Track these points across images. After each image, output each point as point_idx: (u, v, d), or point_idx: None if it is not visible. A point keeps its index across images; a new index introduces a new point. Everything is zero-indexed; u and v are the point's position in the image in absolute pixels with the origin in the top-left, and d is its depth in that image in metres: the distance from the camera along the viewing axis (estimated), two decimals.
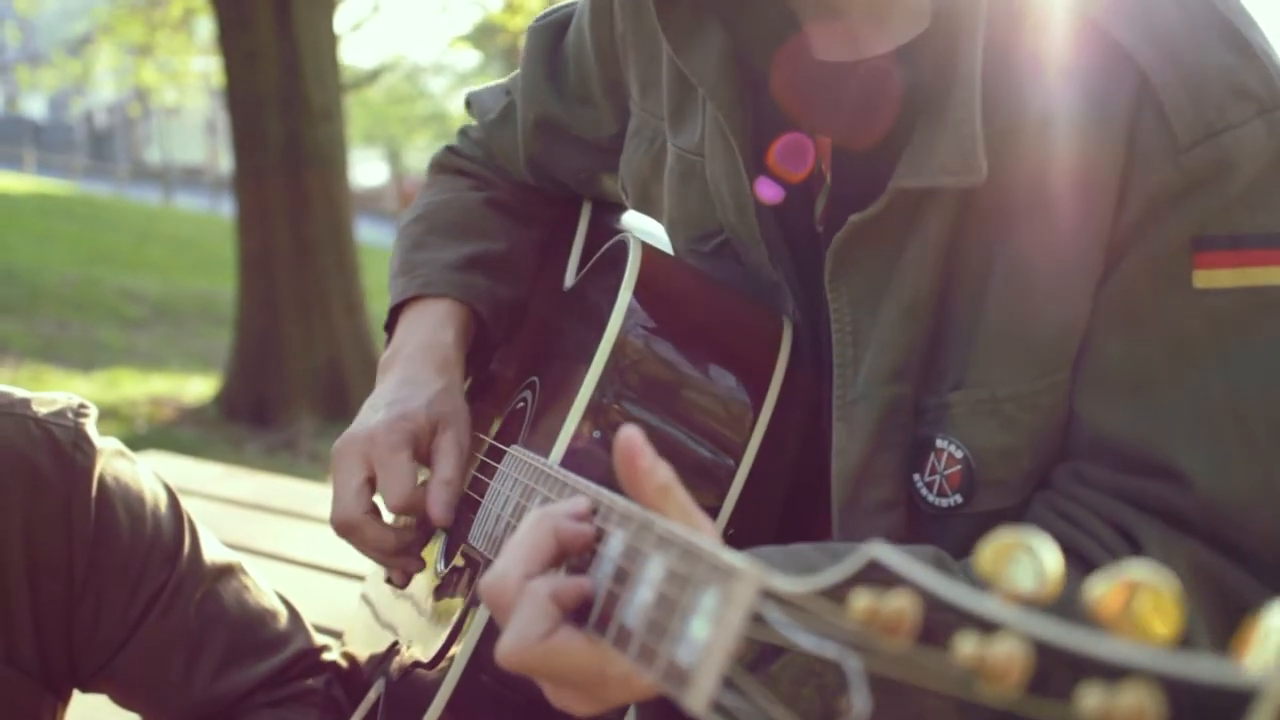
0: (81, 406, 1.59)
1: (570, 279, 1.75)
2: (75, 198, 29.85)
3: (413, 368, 1.67)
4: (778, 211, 1.46)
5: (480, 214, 1.90)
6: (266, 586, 1.77)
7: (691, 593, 0.81)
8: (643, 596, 0.87)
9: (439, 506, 1.52)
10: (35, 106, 58.18)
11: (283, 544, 2.99)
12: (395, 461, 1.54)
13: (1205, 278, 1.21)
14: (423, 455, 1.59)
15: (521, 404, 1.59)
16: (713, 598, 0.78)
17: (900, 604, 0.64)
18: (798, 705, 0.71)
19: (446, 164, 2.02)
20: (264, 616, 1.73)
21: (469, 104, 2.01)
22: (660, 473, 0.91)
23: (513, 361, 1.78)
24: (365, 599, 1.99)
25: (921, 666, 0.62)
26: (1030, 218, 1.25)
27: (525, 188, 1.95)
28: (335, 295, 9.58)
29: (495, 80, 2.00)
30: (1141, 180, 1.20)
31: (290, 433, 9.04)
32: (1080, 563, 1.25)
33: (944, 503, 1.33)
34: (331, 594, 2.63)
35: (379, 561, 1.61)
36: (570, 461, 1.32)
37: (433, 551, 1.63)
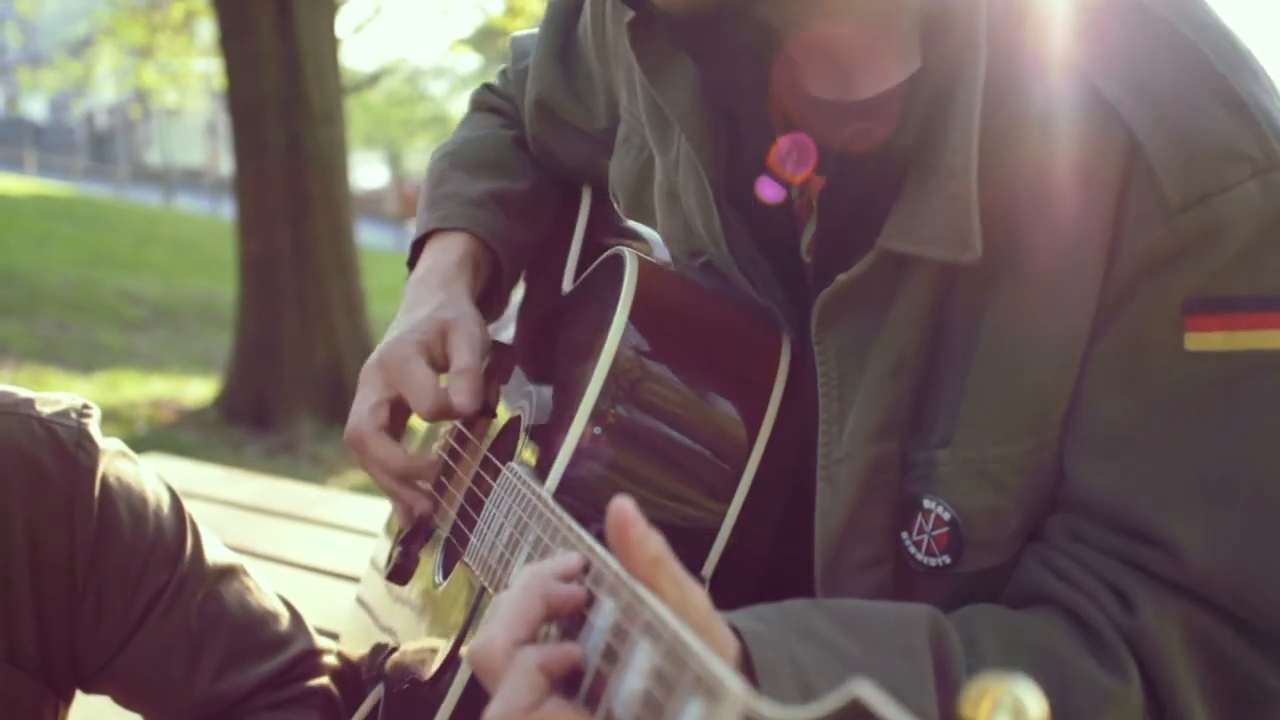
0: (85, 407, 1.59)
1: (568, 281, 1.74)
2: (76, 199, 29.87)
3: (414, 292, 1.68)
4: (761, 241, 1.43)
5: (508, 151, 1.91)
6: (268, 588, 1.77)
7: (677, 699, 0.80)
8: (631, 685, 0.86)
9: (462, 395, 1.53)
10: (36, 108, 58.22)
11: (283, 546, 3.00)
12: (411, 371, 1.55)
13: (1197, 340, 1.18)
14: (439, 361, 1.59)
15: (518, 412, 1.58)
16: (697, 710, 0.77)
17: None
18: None
19: (482, 101, 2.03)
20: (265, 618, 1.73)
21: (512, 44, 2.00)
22: (652, 545, 0.90)
23: (514, 352, 1.77)
24: (360, 600, 1.99)
25: None
26: (1019, 278, 1.22)
27: None
28: (336, 297, 9.58)
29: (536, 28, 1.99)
30: (1132, 242, 1.17)
31: (290, 435, 9.04)
32: (1077, 623, 1.24)
33: (932, 562, 1.31)
34: (332, 596, 2.63)
35: (387, 487, 1.60)
36: (564, 491, 1.31)
37: (433, 558, 1.63)
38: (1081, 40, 1.20)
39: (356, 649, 1.82)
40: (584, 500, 1.32)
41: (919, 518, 1.30)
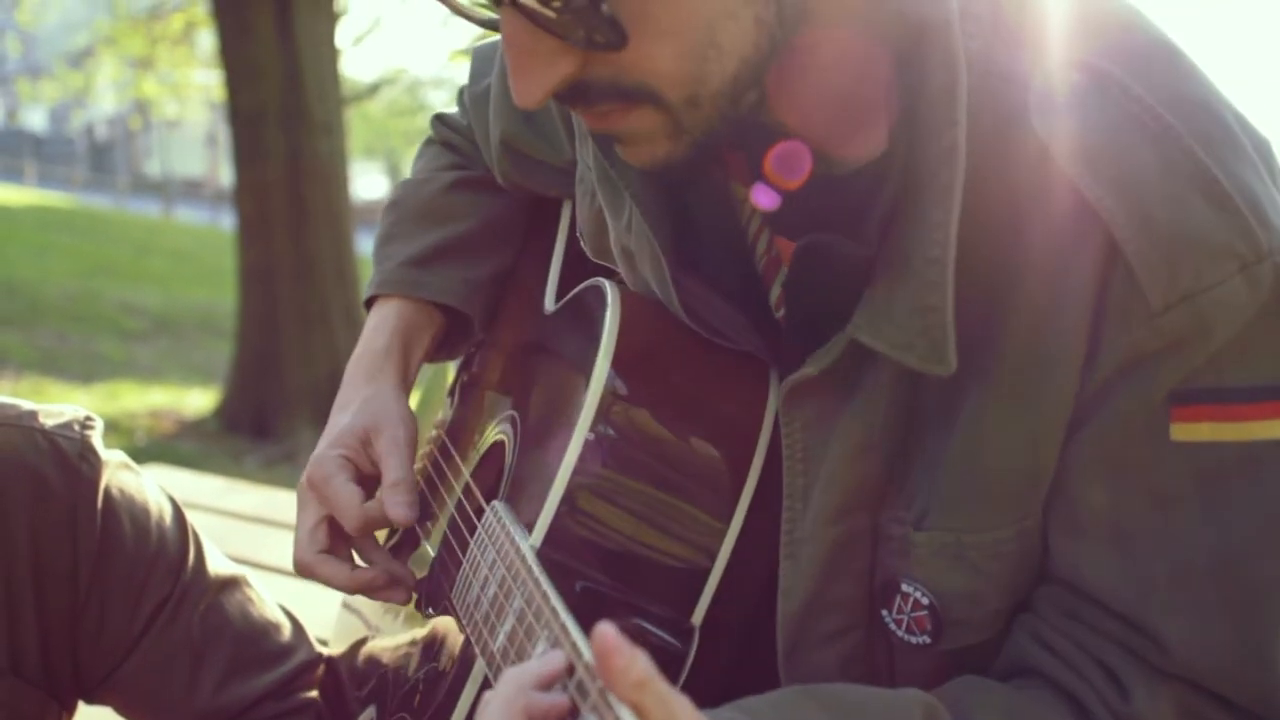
0: (88, 419, 1.60)
1: (550, 300, 1.70)
2: (75, 210, 29.88)
3: (343, 391, 1.68)
4: (730, 298, 1.39)
5: (447, 198, 1.87)
6: (270, 599, 1.78)
7: None
8: None
9: (396, 510, 1.52)
10: (36, 119, 58.22)
11: (284, 557, 2.98)
12: (333, 491, 1.54)
13: (1183, 430, 1.15)
14: (365, 469, 1.59)
15: (500, 440, 1.56)
16: None
17: None
18: None
19: (434, 135, 1.99)
20: (267, 629, 1.73)
21: (472, 58, 1.92)
22: (636, 669, 0.89)
23: (495, 369, 1.76)
24: (346, 604, 1.99)
25: None
26: (992, 377, 1.19)
27: None
28: (335, 308, 9.58)
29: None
30: (1112, 340, 1.14)
31: (290, 445, 9.04)
32: (1072, 705, 1.23)
33: (914, 640, 1.28)
34: (332, 607, 2.63)
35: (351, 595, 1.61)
36: (549, 543, 1.29)
37: (425, 565, 1.63)
38: (1060, 131, 1.14)
39: (343, 656, 1.81)
40: (570, 553, 1.30)
41: (898, 599, 1.28)
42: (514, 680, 1.00)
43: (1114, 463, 1.18)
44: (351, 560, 1.58)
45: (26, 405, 1.56)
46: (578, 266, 1.67)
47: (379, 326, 1.74)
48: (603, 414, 1.33)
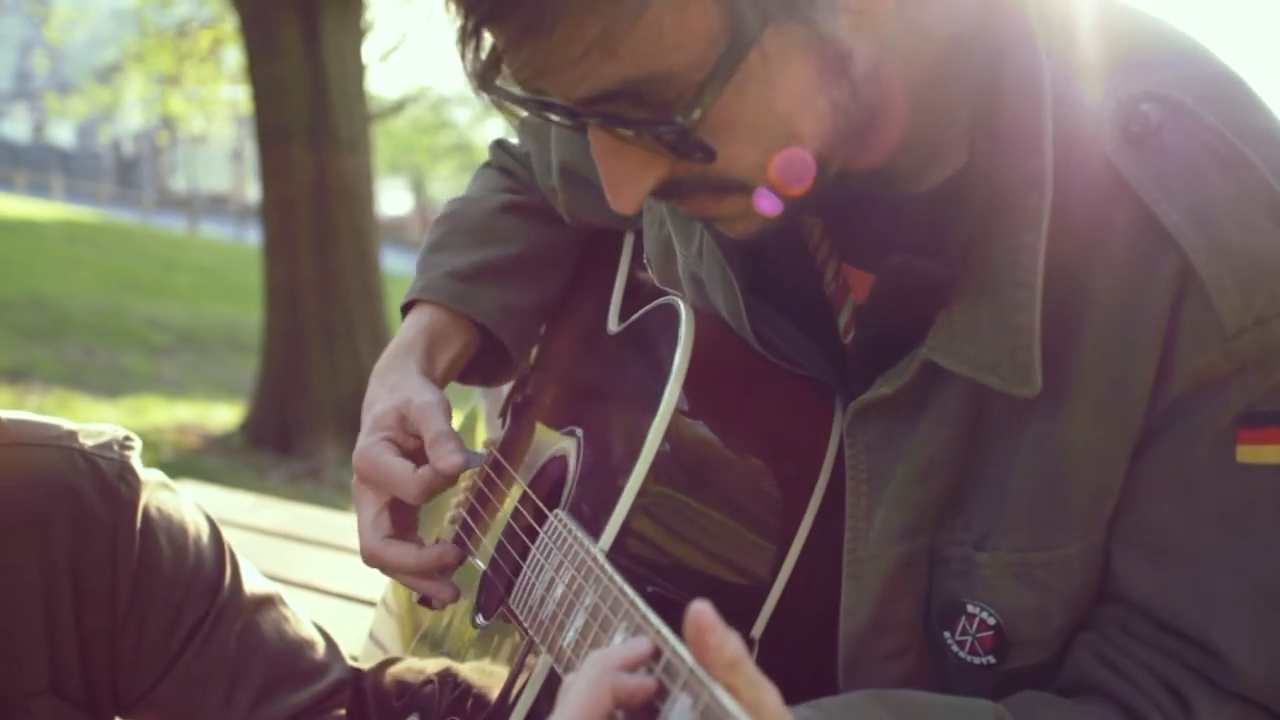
0: (127, 439, 1.61)
1: (614, 322, 1.71)
2: (102, 225, 30.05)
3: (372, 387, 1.69)
4: (800, 325, 1.42)
5: (497, 220, 1.89)
6: (305, 617, 1.79)
7: None
8: None
9: (445, 460, 1.51)
10: (63, 134, 58.54)
11: (314, 574, 3.01)
12: (384, 469, 1.54)
13: (1249, 453, 1.18)
14: (409, 443, 1.59)
15: (561, 454, 1.57)
16: None
17: None
18: None
19: (493, 159, 2.01)
20: (302, 646, 1.74)
21: None
22: (730, 647, 0.90)
23: (549, 389, 1.77)
24: (381, 624, 2.00)
25: None
26: (1063, 397, 1.21)
27: None
28: (360, 324, 9.61)
29: None
30: (1184, 362, 1.16)
31: (315, 461, 9.06)
32: (1133, 719, 1.24)
33: (977, 661, 1.30)
34: (362, 624, 2.64)
35: (412, 586, 1.61)
36: (617, 550, 1.31)
37: (470, 591, 1.64)
38: (1135, 159, 1.17)
39: (372, 672, 1.82)
40: (637, 559, 1.32)
41: (962, 620, 1.30)
42: (599, 662, 1.00)
43: (1180, 482, 1.20)
44: (416, 545, 1.58)
45: (66, 425, 1.58)
46: (639, 293, 1.69)
47: (409, 328, 1.76)
48: (673, 429, 1.35)
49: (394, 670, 1.76)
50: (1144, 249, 1.16)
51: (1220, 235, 1.14)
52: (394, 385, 1.65)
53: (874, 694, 1.26)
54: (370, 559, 1.57)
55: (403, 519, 1.59)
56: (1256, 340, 1.14)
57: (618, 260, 1.82)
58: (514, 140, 2.01)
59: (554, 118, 1.15)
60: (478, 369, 1.84)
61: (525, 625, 1.38)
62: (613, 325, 1.71)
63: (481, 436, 1.98)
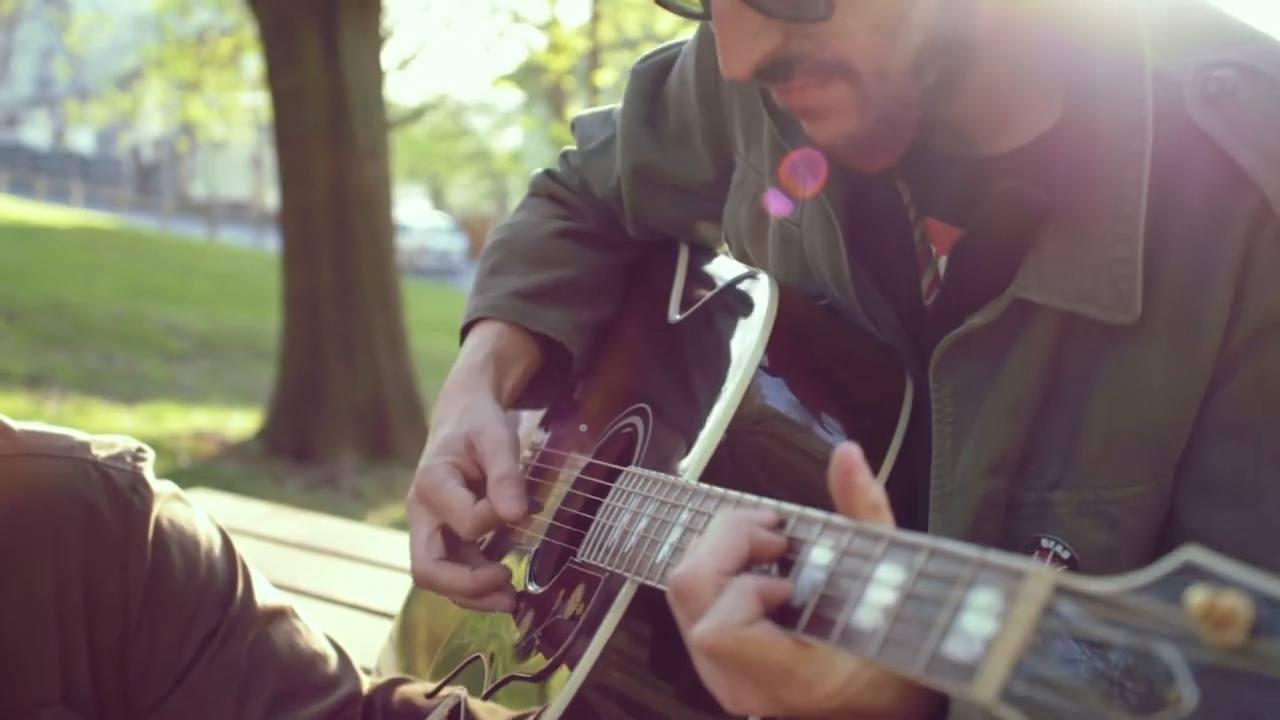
0: (139, 451, 1.62)
1: (675, 313, 1.73)
2: (121, 232, 30.16)
3: (441, 406, 1.70)
4: (882, 285, 1.46)
5: (553, 245, 1.92)
6: (317, 629, 1.79)
7: (960, 591, 0.84)
8: (878, 597, 0.90)
9: (505, 504, 1.52)
10: (83, 141, 58.78)
11: (328, 584, 3.01)
12: (445, 496, 1.54)
13: None
14: (473, 474, 1.59)
15: (629, 429, 1.59)
16: (990, 596, 0.82)
17: (1232, 601, 0.68)
18: (1094, 696, 0.75)
19: (540, 188, 2.04)
20: (314, 659, 1.74)
21: (574, 127, 2.01)
22: (874, 491, 0.93)
23: (602, 389, 1.79)
24: (401, 630, 1.99)
25: (1250, 657, 0.67)
26: (1140, 331, 1.25)
27: (612, 217, 1.95)
28: (379, 332, 9.63)
29: (600, 108, 2.00)
30: (1256, 301, 1.21)
31: (332, 469, 9.08)
32: None
33: None
34: (376, 635, 2.64)
35: (470, 607, 1.61)
36: (710, 478, 1.32)
37: (519, 567, 1.64)
38: (1217, 116, 1.23)
39: (380, 688, 1.81)
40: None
41: (1035, 556, 1.32)
42: (734, 515, 1.04)
43: (1248, 424, 1.24)
44: (469, 566, 1.57)
45: (79, 436, 1.58)
46: (701, 287, 1.73)
47: (478, 346, 1.77)
48: (756, 383, 1.38)
49: (404, 690, 1.75)
50: (1222, 192, 1.22)
51: None
52: (466, 408, 1.65)
53: None
54: (423, 580, 1.57)
55: (457, 538, 1.59)
56: None
57: (668, 278, 1.85)
58: (559, 169, 2.04)
59: None
60: (530, 391, 1.86)
61: (604, 564, 1.38)
62: (674, 315, 1.73)
63: (524, 440, 1.98)
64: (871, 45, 1.20)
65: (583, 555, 1.46)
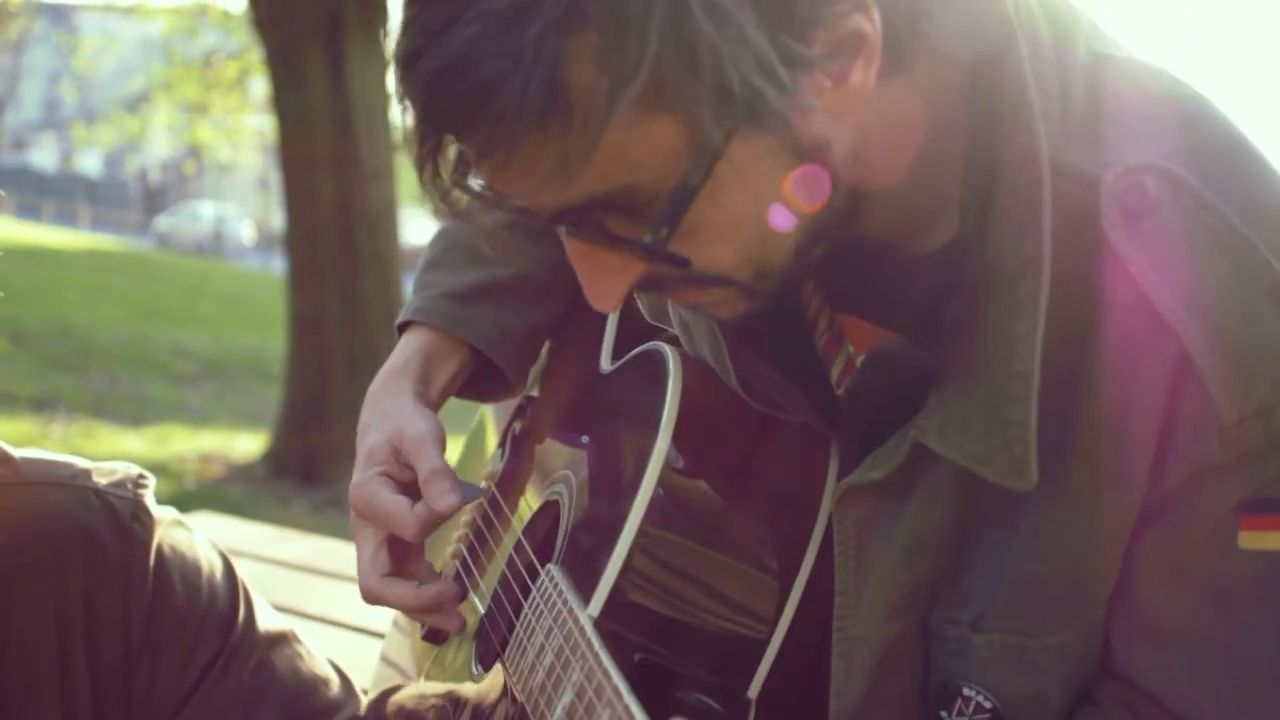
0: (140, 477, 1.62)
1: (607, 360, 1.69)
2: (128, 254, 30.22)
3: (363, 413, 1.67)
4: (786, 371, 1.40)
5: (496, 236, 1.87)
6: (319, 654, 1.79)
7: None
8: None
9: (440, 499, 1.48)
10: (90, 164, 58.95)
11: (332, 607, 3.01)
12: (381, 506, 1.52)
13: (1252, 539, 1.14)
14: (404, 477, 1.56)
15: (554, 499, 1.56)
16: None
17: None
18: None
19: None
20: (316, 684, 1.74)
21: None
22: None
23: (547, 425, 1.76)
24: (387, 659, 1.99)
25: None
26: (1058, 484, 1.16)
27: None
28: (384, 354, 9.33)
29: None
30: (1183, 451, 1.12)
31: (337, 490, 9.05)
32: None
33: None
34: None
35: (417, 620, 1.60)
36: (608, 615, 1.29)
37: (468, 633, 1.64)
38: (1132, 239, 1.12)
39: (373, 705, 1.82)
40: (627, 625, 1.30)
41: (958, 702, 1.27)
42: None
43: (1179, 566, 1.17)
44: (417, 581, 1.56)
45: (81, 463, 1.58)
46: (633, 327, 1.66)
47: (402, 350, 1.74)
48: (664, 485, 1.32)
49: (396, 698, 1.75)
50: (1141, 336, 1.12)
51: (1220, 324, 1.09)
52: (387, 413, 1.62)
53: None
54: (370, 597, 1.56)
55: (404, 551, 1.57)
56: (1258, 430, 1.09)
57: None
58: None
59: (528, 223, 1.15)
60: (474, 386, 1.81)
61: (517, 691, 1.37)
62: (605, 364, 1.69)
63: (492, 443, 1.97)
64: (741, 262, 1.14)
65: (506, 660, 1.45)
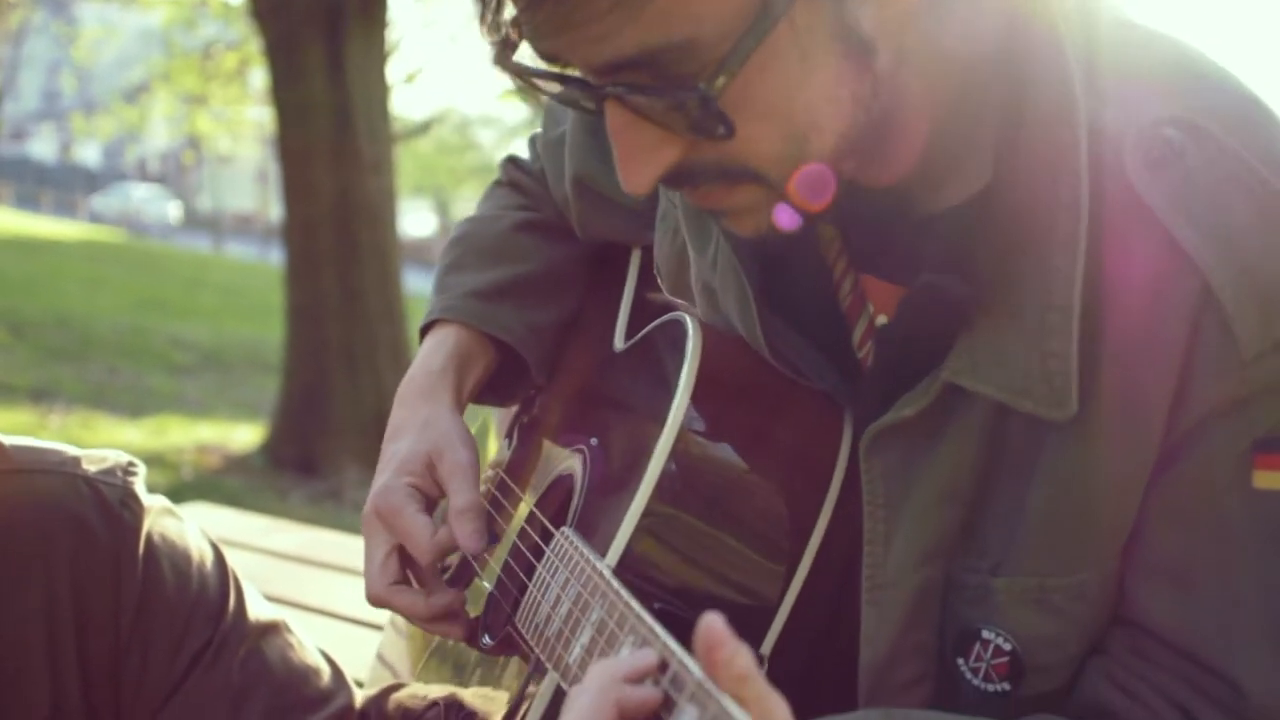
0: (130, 465, 1.61)
1: (620, 340, 1.70)
2: (126, 245, 30.19)
3: (399, 412, 1.67)
4: (811, 336, 1.40)
5: (512, 238, 1.88)
6: (310, 643, 1.78)
7: None
8: None
9: (466, 538, 1.50)
10: (90, 154, 58.93)
11: (328, 598, 3.00)
12: (405, 523, 1.53)
13: (1266, 479, 1.16)
14: (433, 493, 1.58)
15: (568, 472, 1.56)
16: None
17: None
18: None
19: (504, 176, 2.00)
20: (307, 674, 1.73)
21: (547, 110, 1.93)
22: (741, 660, 0.89)
23: (556, 408, 1.77)
24: (387, 648, 1.99)
25: None
26: (1080, 420, 1.18)
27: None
28: (383, 345, 9.62)
29: None
30: (1201, 388, 1.15)
31: (335, 482, 9.07)
32: None
33: (991, 688, 1.28)
34: (375, 649, 2.63)
35: (423, 628, 1.60)
36: (624, 567, 1.30)
37: (476, 610, 1.63)
38: (1157, 185, 1.15)
39: (374, 700, 1.81)
40: (644, 577, 1.30)
41: (977, 646, 1.28)
42: (605, 672, 0.99)
43: (1194, 510, 1.19)
44: (425, 589, 1.57)
45: (70, 451, 1.58)
46: (646, 311, 1.68)
47: (435, 349, 1.74)
48: (679, 447, 1.33)
49: (397, 696, 1.75)
50: (1164, 273, 1.15)
51: (1242, 259, 1.12)
52: (426, 421, 1.63)
53: (884, 711, 1.25)
54: (376, 602, 1.57)
55: (409, 561, 1.58)
56: (1275, 365, 1.13)
57: (624, 278, 1.81)
58: (526, 155, 1.99)
59: (572, 91, 1.15)
60: (493, 389, 1.83)
61: (531, 643, 1.37)
62: (619, 343, 1.70)
63: (494, 449, 1.97)
64: (780, 154, 1.14)
65: (518, 621, 1.45)
